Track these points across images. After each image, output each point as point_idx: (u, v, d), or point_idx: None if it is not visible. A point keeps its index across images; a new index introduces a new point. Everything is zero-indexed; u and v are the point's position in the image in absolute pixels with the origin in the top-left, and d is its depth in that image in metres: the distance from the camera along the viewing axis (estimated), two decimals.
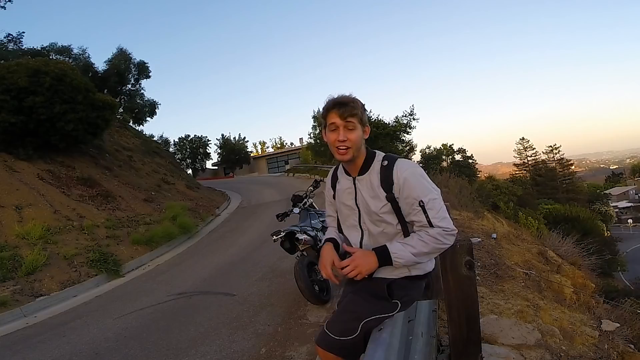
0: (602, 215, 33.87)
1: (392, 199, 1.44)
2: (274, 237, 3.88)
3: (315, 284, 3.73)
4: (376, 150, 1.56)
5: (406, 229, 1.49)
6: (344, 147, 1.43)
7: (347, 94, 1.47)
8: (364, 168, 1.51)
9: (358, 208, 1.54)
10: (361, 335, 1.47)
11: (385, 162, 1.47)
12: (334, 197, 1.68)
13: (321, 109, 1.50)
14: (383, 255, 1.43)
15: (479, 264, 4.13)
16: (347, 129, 1.42)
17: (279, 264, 5.56)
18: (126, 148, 15.34)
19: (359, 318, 1.48)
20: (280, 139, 52.95)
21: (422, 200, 1.39)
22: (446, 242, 1.40)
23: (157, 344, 3.55)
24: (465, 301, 1.70)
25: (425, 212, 1.39)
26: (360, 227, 1.56)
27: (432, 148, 33.63)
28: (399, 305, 1.54)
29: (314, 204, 4.62)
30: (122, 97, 20.58)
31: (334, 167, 1.72)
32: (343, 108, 1.41)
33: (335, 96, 1.46)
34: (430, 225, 1.39)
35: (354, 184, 1.54)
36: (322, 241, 1.72)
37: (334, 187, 1.67)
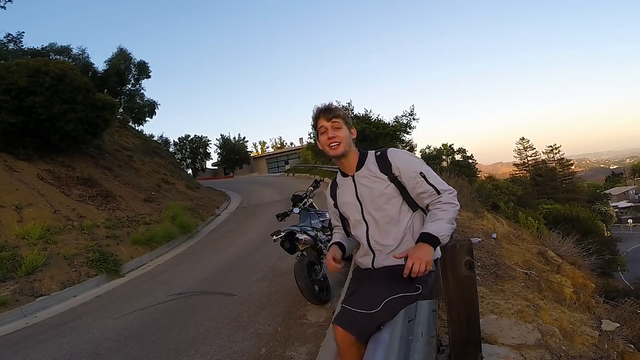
0: (602, 215, 33.88)
1: (393, 179, 1.60)
2: (274, 237, 3.88)
3: (315, 284, 3.73)
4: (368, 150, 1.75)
5: (413, 203, 1.62)
6: (334, 143, 1.63)
7: (329, 103, 1.70)
8: (360, 164, 1.68)
9: (359, 201, 1.66)
10: (382, 313, 1.47)
11: (378, 153, 1.67)
12: (335, 206, 1.79)
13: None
14: (430, 239, 1.49)
15: (479, 264, 4.13)
16: (334, 128, 1.64)
17: (279, 264, 5.56)
18: (126, 148, 15.34)
19: (383, 294, 1.51)
20: (280, 139, 52.96)
21: (422, 172, 1.57)
22: (456, 202, 1.56)
23: (157, 344, 3.55)
24: (465, 301, 1.70)
25: (427, 181, 1.56)
26: (364, 219, 1.65)
27: (432, 148, 33.68)
28: (421, 289, 1.57)
29: (314, 204, 4.63)
30: (122, 97, 20.54)
31: (333, 179, 1.87)
32: (327, 112, 1.65)
33: (320, 105, 1.68)
34: (438, 192, 1.55)
35: (353, 180, 1.68)
36: (329, 244, 1.88)
37: (334, 195, 1.80)
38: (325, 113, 1.65)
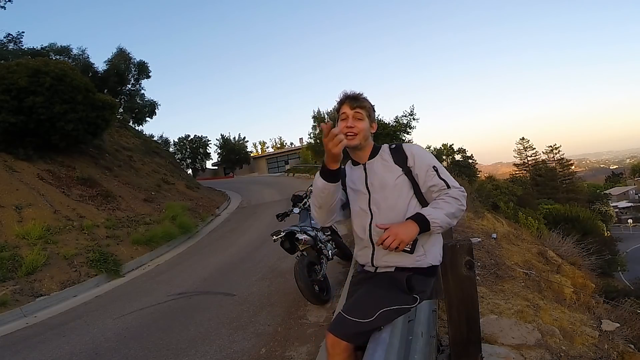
0: (602, 215, 33.84)
1: (407, 171, 1.59)
2: (274, 237, 3.88)
3: (315, 284, 3.73)
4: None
5: (422, 197, 1.60)
6: (351, 134, 1.58)
7: (358, 92, 1.66)
8: (373, 154, 1.66)
9: (369, 191, 1.63)
10: (376, 322, 1.47)
11: (393, 146, 1.67)
12: (343, 183, 1.69)
13: (330, 107, 1.67)
14: (420, 220, 1.47)
15: (479, 264, 4.13)
16: (356, 119, 1.60)
17: (279, 264, 5.56)
18: (126, 148, 15.33)
19: (379, 305, 1.49)
20: (280, 139, 52.93)
21: (434, 166, 1.58)
22: (463, 202, 1.54)
23: (157, 344, 3.55)
24: (465, 301, 1.71)
25: (439, 175, 1.56)
26: (370, 210, 1.62)
27: (432, 148, 33.65)
28: (418, 300, 1.55)
29: None
30: (122, 97, 20.52)
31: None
32: (353, 100, 1.61)
33: (348, 91, 1.64)
34: (448, 186, 1.55)
35: (365, 169, 1.66)
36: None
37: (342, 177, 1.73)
38: (350, 101, 1.61)
